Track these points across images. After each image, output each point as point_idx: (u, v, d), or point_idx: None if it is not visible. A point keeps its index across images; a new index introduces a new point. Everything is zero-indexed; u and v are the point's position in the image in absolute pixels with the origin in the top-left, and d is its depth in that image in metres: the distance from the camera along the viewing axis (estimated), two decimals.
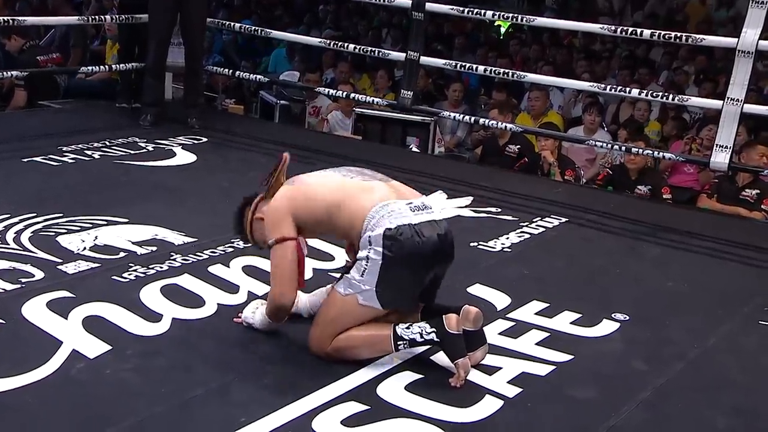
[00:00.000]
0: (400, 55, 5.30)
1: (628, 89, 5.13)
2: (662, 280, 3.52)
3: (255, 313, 2.70)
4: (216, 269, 3.15)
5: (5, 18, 4.96)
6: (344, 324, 2.48)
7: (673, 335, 2.98)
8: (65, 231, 3.36)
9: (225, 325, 2.75)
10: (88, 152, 4.47)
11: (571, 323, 2.99)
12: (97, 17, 5.88)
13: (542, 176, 5.42)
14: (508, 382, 2.55)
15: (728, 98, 4.16)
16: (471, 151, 6.44)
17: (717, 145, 4.25)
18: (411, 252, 2.42)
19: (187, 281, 3.03)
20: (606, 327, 2.98)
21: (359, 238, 2.46)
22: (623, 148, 4.97)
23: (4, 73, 4.96)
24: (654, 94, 4.93)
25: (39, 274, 2.95)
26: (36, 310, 2.69)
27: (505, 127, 5.26)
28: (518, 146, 5.69)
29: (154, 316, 2.74)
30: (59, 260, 3.08)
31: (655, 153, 4.83)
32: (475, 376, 2.53)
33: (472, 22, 10.51)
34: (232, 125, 5.56)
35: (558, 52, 8.81)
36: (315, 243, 3.30)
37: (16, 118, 5.35)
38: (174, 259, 3.20)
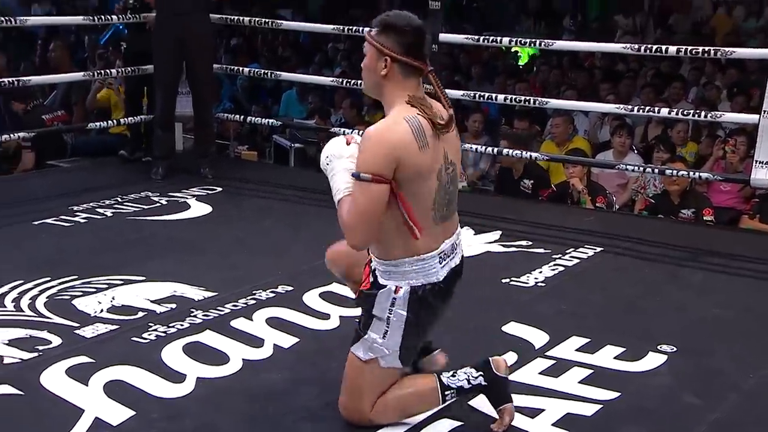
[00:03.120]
0: None
1: (657, 109, 5.13)
2: (707, 307, 3.49)
3: (337, 164, 2.38)
4: (239, 323, 3.17)
5: (10, 80, 5.09)
6: (373, 389, 2.43)
7: (723, 365, 2.96)
8: (81, 294, 3.40)
9: (252, 381, 2.76)
10: (100, 210, 4.54)
11: (614, 358, 2.97)
12: (102, 71, 5.99)
13: (572, 205, 5.41)
14: (553, 425, 2.54)
15: (765, 111, 4.15)
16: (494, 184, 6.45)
17: (756, 161, 4.24)
18: (434, 306, 2.39)
19: (209, 338, 3.05)
20: (652, 360, 2.96)
21: (377, 260, 2.37)
22: (657, 170, 4.94)
23: (11, 135, 5.06)
24: (685, 112, 4.93)
25: (56, 341, 2.99)
26: (55, 379, 2.72)
27: (531, 156, 5.28)
28: (532, 180, 5.70)
29: (177, 377, 2.76)
30: (76, 324, 3.12)
31: (691, 173, 4.81)
32: (518, 420, 2.51)
33: (488, 51, 10.60)
34: (246, 172, 5.63)
35: (580, 75, 8.85)
36: (340, 289, 3.32)
37: (25, 180, 5.45)
38: (195, 316, 3.23)
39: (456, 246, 2.42)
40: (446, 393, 2.45)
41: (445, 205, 2.34)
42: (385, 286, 2.35)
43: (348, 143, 2.42)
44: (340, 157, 2.39)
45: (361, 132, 2.77)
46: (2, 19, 5.03)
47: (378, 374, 2.40)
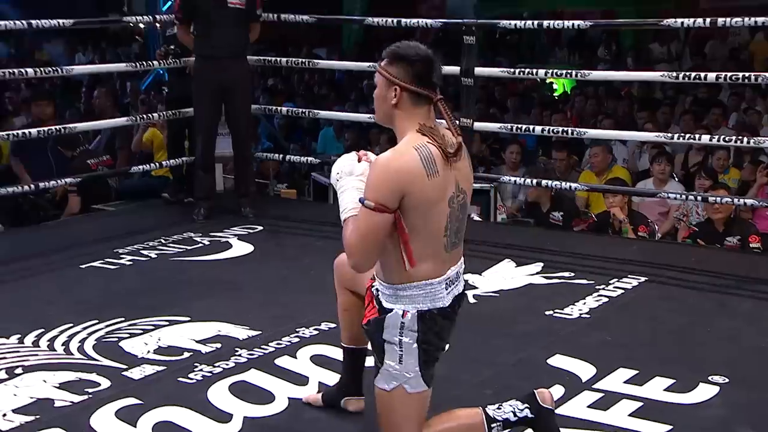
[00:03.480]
0: None
1: (698, 135, 5.08)
2: (758, 336, 3.42)
3: (345, 180, 2.41)
4: (283, 361, 3.18)
5: (57, 127, 5.21)
6: (409, 421, 2.39)
7: None
8: (128, 335, 3.43)
9: (298, 419, 2.76)
10: (145, 252, 4.59)
11: (664, 390, 2.92)
12: (145, 116, 6.10)
13: (613, 235, 5.36)
14: None
15: None
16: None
17: None
18: (442, 328, 2.37)
19: (254, 376, 3.06)
20: (704, 392, 2.90)
21: (383, 283, 2.36)
22: (699, 197, 4.88)
23: (58, 180, 5.17)
24: (727, 139, 4.88)
25: (105, 383, 3.01)
26: (105, 421, 2.74)
27: (570, 187, 5.25)
28: (562, 213, 5.67)
29: (224, 417, 2.77)
30: (124, 366, 3.14)
31: (735, 200, 4.74)
32: None
33: (523, 83, 10.62)
34: (287, 210, 5.67)
35: (618, 104, 8.82)
36: None
37: (72, 224, 5.54)
38: (239, 355, 3.24)
39: (459, 274, 2.42)
40: (492, 426, 2.41)
41: (455, 232, 2.35)
42: (392, 310, 2.33)
43: (359, 160, 2.44)
44: (351, 175, 2.42)
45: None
46: (49, 69, 5.17)
47: (408, 403, 2.38)
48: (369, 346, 2.50)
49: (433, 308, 2.32)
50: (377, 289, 2.39)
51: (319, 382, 3.00)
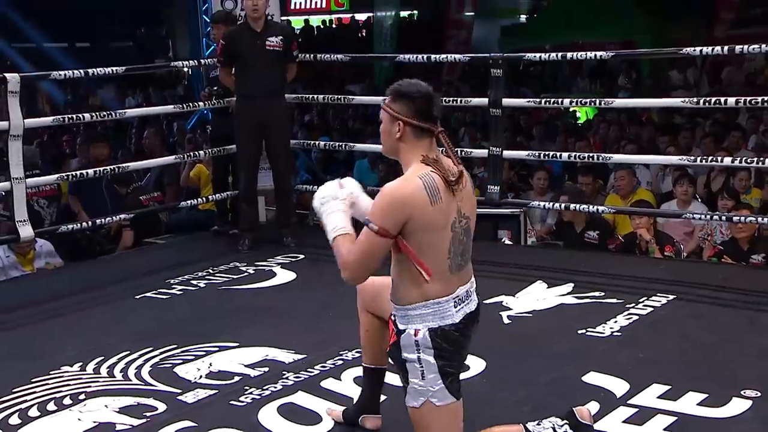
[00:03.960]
0: (482, 152, 5.36)
1: (720, 158, 5.03)
2: None
3: (327, 209, 2.48)
4: (328, 383, 3.18)
5: (113, 166, 5.30)
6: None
7: None
8: (181, 361, 3.46)
9: None
10: (194, 282, 4.63)
11: (698, 404, 2.87)
12: (192, 153, 6.19)
13: (640, 255, 5.30)
14: None
15: None
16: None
17: None
18: (456, 342, 2.37)
19: (301, 398, 3.06)
20: (737, 406, 2.84)
21: (395, 306, 2.40)
22: (724, 217, 4.82)
23: (113, 217, 5.26)
24: (749, 160, 4.82)
25: (161, 407, 3.03)
26: None
27: (597, 210, 5.20)
28: (597, 232, 5.61)
29: None
30: (178, 390, 3.16)
31: (760, 219, 4.67)
32: None
33: (547, 112, 10.60)
34: (325, 240, 5.65)
35: (640, 130, 8.76)
36: None
37: (126, 257, 5.60)
38: (287, 378, 3.24)
39: (470, 293, 2.43)
40: None
41: (460, 254, 2.39)
42: (405, 330, 2.36)
43: (342, 186, 2.51)
44: (335, 199, 2.48)
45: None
46: (104, 113, 5.26)
47: (440, 416, 2.37)
48: (389, 366, 2.53)
49: (443, 325, 2.35)
50: (394, 315, 2.43)
51: None
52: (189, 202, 5.86)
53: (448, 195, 2.33)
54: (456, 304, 2.37)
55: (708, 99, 4.65)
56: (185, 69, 12.66)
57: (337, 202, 2.48)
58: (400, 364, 2.39)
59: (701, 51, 4.55)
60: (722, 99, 4.55)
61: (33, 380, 3.29)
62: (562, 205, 5.27)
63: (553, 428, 2.41)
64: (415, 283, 2.35)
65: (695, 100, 4.71)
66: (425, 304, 2.34)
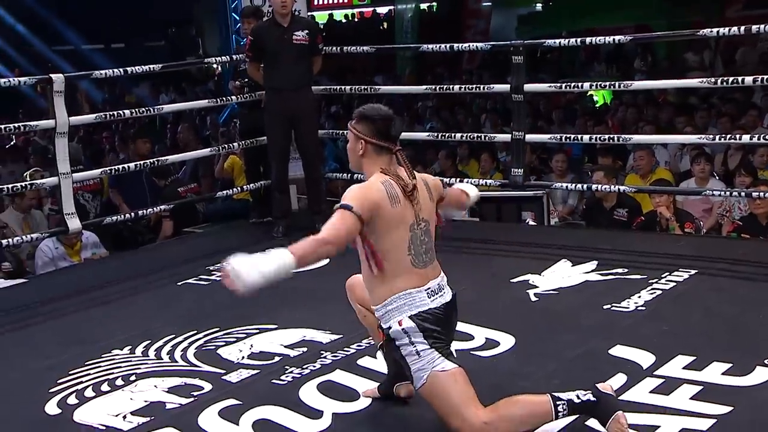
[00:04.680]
0: (505, 137, 5.34)
1: (738, 135, 4.96)
2: None
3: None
4: (365, 361, 3.20)
5: (153, 160, 5.35)
6: (462, 395, 2.44)
7: None
8: (224, 343, 3.50)
9: (383, 414, 2.77)
10: None
11: (722, 374, 2.85)
12: (227, 145, 6.23)
13: (661, 232, 5.26)
14: None
15: None
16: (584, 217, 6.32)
17: None
18: (438, 319, 2.52)
19: (340, 376, 3.08)
20: (761, 374, 2.82)
21: (375, 308, 2.57)
22: (743, 193, 4.76)
23: (153, 208, 5.31)
24: (766, 137, 4.75)
25: (207, 386, 3.08)
26: (211, 420, 2.80)
27: (618, 189, 5.17)
28: (626, 209, 5.57)
29: (315, 414, 2.80)
30: (223, 371, 3.20)
31: None
32: None
33: (565, 96, 10.50)
34: None
35: (657, 111, 8.66)
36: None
37: (167, 246, 5.67)
38: (325, 357, 3.27)
39: (442, 286, 2.59)
40: (557, 404, 2.42)
41: (423, 252, 2.56)
42: (390, 327, 2.51)
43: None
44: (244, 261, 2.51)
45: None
46: (143, 109, 5.30)
47: (448, 380, 2.47)
48: (385, 351, 2.68)
49: (419, 312, 2.50)
50: (379, 320, 2.57)
51: None
52: (224, 192, 5.90)
53: (405, 201, 2.54)
54: (429, 295, 2.53)
55: (725, 78, 4.59)
56: (215, 65, 12.70)
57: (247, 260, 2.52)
58: (398, 357, 2.54)
59: (718, 32, 4.48)
60: (739, 78, 4.49)
61: (87, 363, 3.35)
62: (585, 186, 5.24)
63: (578, 395, 2.45)
64: (381, 281, 2.52)
65: (713, 80, 4.64)
66: (398, 296, 2.51)
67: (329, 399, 2.90)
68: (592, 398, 2.43)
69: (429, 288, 2.54)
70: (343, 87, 6.22)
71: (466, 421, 2.42)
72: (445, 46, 5.25)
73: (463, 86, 6.15)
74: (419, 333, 2.48)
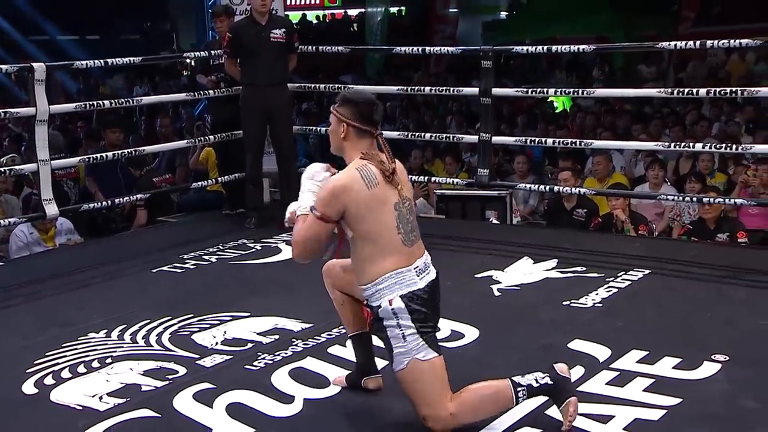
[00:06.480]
0: (473, 138, 5.37)
1: (691, 144, 5.07)
2: (755, 319, 3.40)
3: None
4: (335, 350, 3.20)
5: (129, 150, 5.28)
6: (435, 386, 2.46)
7: None
8: (198, 329, 3.47)
9: (353, 400, 2.78)
10: (206, 257, 4.64)
11: (673, 368, 2.92)
12: (203, 138, 6.17)
13: (617, 233, 5.35)
14: (624, 429, 2.50)
15: None
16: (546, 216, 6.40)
17: None
18: (428, 302, 2.50)
19: (311, 363, 3.09)
20: (708, 369, 2.90)
21: (364, 286, 2.52)
22: (694, 198, 4.87)
23: (129, 197, 5.24)
24: (717, 146, 4.86)
25: (182, 370, 3.06)
26: (185, 403, 2.78)
27: (579, 191, 5.24)
28: (585, 210, 5.66)
29: (287, 398, 2.80)
30: (197, 356, 3.19)
31: (726, 200, 4.73)
32: (591, 426, 2.50)
33: (526, 101, 10.60)
34: None
35: (616, 119, 8.81)
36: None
37: (141, 234, 5.60)
38: (296, 345, 3.27)
39: (428, 264, 2.56)
40: (518, 389, 2.46)
41: (410, 231, 2.53)
42: (380, 305, 2.47)
43: (326, 170, 2.62)
44: (312, 179, 2.61)
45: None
46: (122, 100, 5.22)
47: (426, 369, 2.46)
48: (370, 329, 2.64)
49: (411, 291, 2.46)
50: (366, 298, 2.53)
51: None
52: (199, 183, 5.84)
53: (386, 182, 2.50)
54: (418, 274, 2.50)
55: (681, 90, 4.68)
56: (188, 60, 12.55)
57: (312, 182, 2.60)
58: (384, 336, 2.50)
59: (675, 45, 4.57)
60: (694, 90, 4.59)
61: (63, 345, 3.31)
62: (546, 188, 5.30)
63: (536, 379, 2.48)
64: (371, 261, 2.48)
65: (669, 90, 4.73)
66: (389, 275, 2.46)
67: (300, 385, 2.90)
68: (550, 381, 2.48)
69: (417, 267, 2.50)
70: (316, 85, 6.20)
71: (436, 411, 2.45)
72: (418, 49, 5.27)
73: (434, 88, 6.16)
74: (407, 315, 2.44)
